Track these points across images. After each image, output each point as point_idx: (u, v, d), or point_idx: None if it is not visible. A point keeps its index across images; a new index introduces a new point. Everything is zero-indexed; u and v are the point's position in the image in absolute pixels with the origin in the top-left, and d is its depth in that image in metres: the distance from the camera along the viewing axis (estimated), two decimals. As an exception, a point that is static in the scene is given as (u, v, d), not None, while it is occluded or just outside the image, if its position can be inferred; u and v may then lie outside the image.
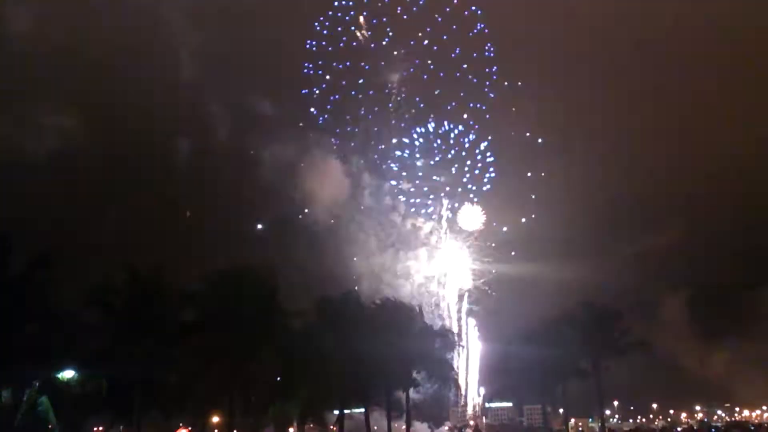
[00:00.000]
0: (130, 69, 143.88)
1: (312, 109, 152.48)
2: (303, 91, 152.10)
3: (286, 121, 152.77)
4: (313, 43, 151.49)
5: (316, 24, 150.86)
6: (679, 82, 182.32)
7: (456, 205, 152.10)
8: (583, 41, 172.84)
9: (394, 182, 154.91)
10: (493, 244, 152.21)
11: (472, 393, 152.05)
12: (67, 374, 48.75)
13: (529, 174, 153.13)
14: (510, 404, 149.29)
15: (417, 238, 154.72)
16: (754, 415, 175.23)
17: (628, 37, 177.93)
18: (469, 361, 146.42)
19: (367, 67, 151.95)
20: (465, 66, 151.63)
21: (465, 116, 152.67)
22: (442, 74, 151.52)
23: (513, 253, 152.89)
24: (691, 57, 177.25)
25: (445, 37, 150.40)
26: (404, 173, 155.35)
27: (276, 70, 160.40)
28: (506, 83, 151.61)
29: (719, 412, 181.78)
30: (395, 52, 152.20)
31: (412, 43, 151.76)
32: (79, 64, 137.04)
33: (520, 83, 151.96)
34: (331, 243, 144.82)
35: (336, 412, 67.18)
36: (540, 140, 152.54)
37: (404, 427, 69.69)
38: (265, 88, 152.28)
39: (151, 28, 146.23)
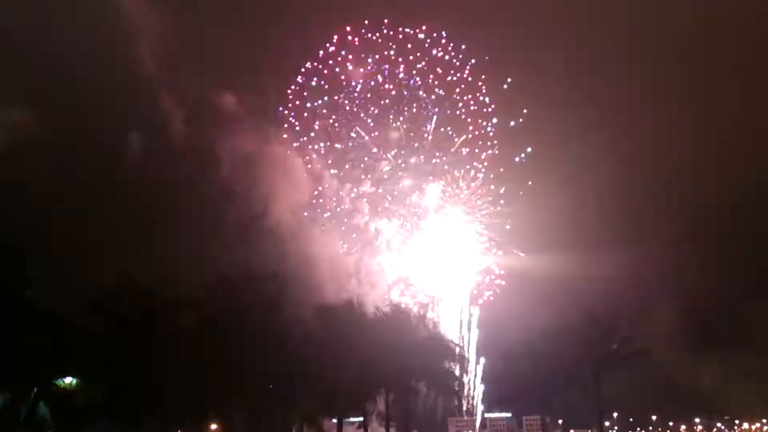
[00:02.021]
0: (83, 62, 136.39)
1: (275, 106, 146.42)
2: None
3: (245, 117, 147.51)
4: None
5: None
6: (680, 86, 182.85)
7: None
8: (582, 35, 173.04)
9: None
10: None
11: (471, 403, 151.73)
12: (66, 380, 48.84)
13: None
14: (509, 415, 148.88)
15: (381, 243, 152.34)
16: (753, 427, 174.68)
17: (632, 34, 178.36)
18: (468, 371, 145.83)
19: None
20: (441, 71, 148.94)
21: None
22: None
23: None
24: (694, 60, 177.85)
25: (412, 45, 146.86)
26: (368, 175, 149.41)
27: (235, 64, 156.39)
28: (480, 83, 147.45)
29: (719, 424, 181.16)
30: (362, 54, 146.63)
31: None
32: (29, 58, 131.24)
33: (510, 79, 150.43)
34: (293, 246, 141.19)
35: (334, 420, 67.15)
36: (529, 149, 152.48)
37: None
38: (223, 83, 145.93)
39: (104, 19, 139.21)
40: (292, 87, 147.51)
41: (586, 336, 68.84)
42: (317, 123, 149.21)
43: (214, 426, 64.63)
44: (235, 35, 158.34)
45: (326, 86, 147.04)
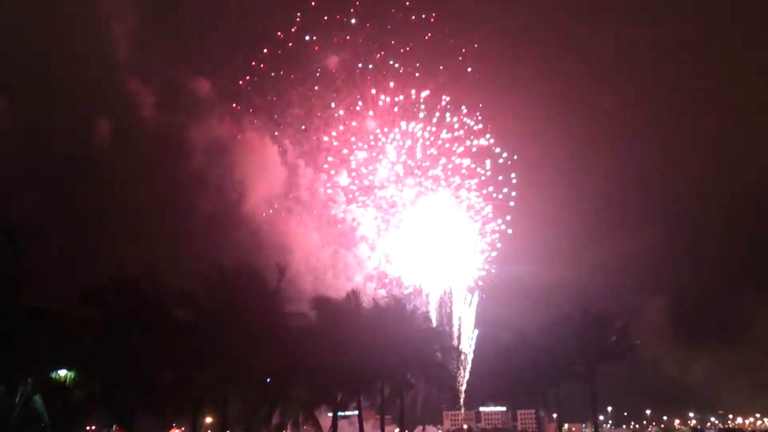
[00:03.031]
0: (56, 45, 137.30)
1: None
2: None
3: (219, 104, 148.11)
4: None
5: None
6: (666, 86, 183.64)
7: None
8: (567, 39, 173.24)
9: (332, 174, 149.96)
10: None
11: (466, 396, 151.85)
12: (62, 373, 48.63)
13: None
14: (504, 408, 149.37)
15: (357, 234, 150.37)
16: (747, 422, 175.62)
17: (621, 38, 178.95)
18: (463, 364, 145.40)
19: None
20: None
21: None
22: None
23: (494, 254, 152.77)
24: (683, 61, 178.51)
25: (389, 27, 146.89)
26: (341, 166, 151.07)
27: (211, 50, 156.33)
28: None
29: (712, 419, 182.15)
30: (335, 39, 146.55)
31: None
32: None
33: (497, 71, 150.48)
34: (269, 237, 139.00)
35: (329, 414, 67.26)
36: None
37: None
38: (199, 69, 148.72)
39: (75, 3, 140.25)
40: (243, 77, 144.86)
41: (581, 329, 69.04)
42: (277, 116, 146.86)
43: (208, 419, 64.60)
44: (207, 17, 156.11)
45: (291, 75, 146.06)
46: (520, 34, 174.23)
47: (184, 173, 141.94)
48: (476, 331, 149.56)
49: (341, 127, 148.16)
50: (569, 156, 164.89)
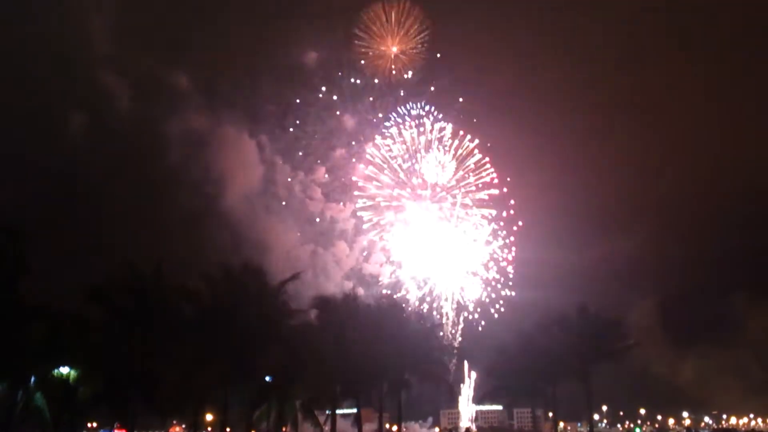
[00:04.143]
0: (29, 38, 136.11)
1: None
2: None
3: (196, 98, 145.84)
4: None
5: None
6: (656, 86, 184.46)
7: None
8: (558, 41, 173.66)
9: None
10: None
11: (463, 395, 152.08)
12: (65, 371, 48.99)
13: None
14: (500, 407, 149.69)
15: (335, 231, 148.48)
16: (741, 422, 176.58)
17: (614, 37, 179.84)
18: (460, 363, 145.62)
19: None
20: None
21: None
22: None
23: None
24: (673, 62, 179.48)
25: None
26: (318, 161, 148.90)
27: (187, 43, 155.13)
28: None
29: (706, 418, 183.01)
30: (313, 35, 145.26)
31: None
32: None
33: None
34: (247, 235, 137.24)
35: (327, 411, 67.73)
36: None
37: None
38: (176, 64, 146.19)
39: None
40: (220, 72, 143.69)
41: (578, 329, 69.58)
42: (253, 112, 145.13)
43: (209, 417, 65.08)
44: (183, 10, 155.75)
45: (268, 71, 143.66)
46: (500, 23, 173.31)
47: (160, 169, 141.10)
48: (461, 326, 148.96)
49: (318, 124, 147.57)
50: (563, 157, 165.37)
